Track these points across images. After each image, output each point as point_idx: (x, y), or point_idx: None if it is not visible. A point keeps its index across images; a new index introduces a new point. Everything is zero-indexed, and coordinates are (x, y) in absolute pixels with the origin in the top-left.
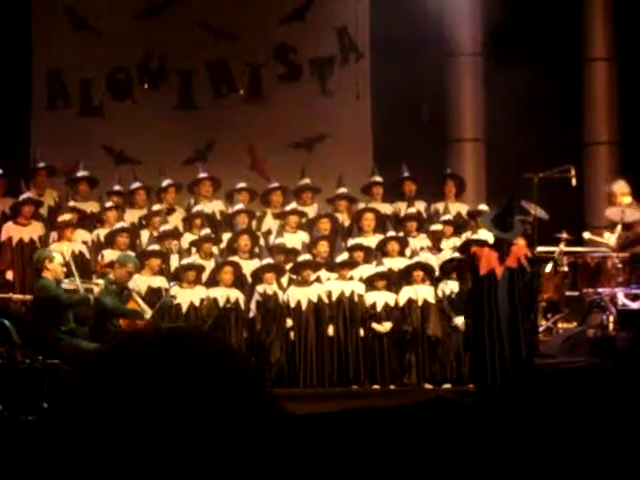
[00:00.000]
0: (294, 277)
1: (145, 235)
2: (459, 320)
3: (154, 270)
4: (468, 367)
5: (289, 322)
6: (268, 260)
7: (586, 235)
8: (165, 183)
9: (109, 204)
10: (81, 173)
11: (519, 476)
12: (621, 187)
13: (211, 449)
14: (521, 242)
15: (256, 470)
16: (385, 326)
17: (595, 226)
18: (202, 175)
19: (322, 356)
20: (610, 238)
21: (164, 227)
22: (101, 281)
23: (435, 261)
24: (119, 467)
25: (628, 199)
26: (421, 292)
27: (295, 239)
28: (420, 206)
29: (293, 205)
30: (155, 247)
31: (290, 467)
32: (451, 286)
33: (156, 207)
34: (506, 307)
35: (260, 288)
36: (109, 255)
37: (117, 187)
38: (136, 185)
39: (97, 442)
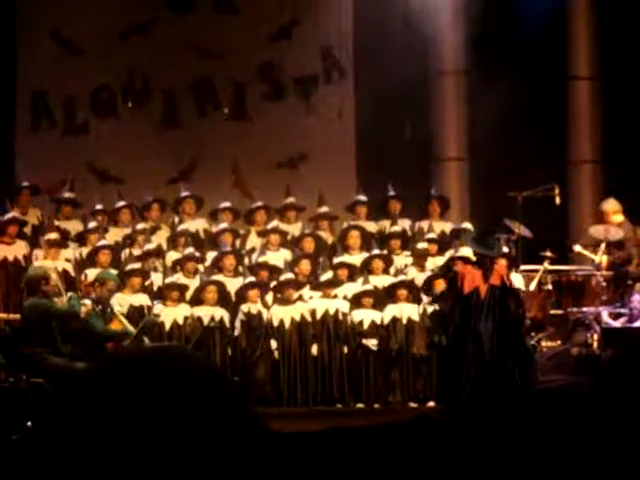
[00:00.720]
0: (277, 296)
1: (127, 254)
2: (443, 338)
3: (135, 288)
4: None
5: (273, 341)
6: (251, 278)
7: (577, 248)
8: (148, 200)
9: (92, 224)
10: (66, 194)
11: None
12: (613, 205)
13: (196, 469)
14: (502, 262)
15: None
16: (373, 343)
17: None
18: (185, 194)
19: (306, 375)
20: (602, 257)
21: (148, 246)
22: (88, 301)
23: (419, 279)
24: None
25: (620, 217)
26: (405, 310)
27: (277, 257)
28: (405, 224)
29: (275, 223)
30: (135, 265)
31: None
32: (434, 304)
33: (140, 226)
34: (489, 325)
35: (244, 307)
36: (92, 273)
37: (99, 206)
38: (121, 204)
39: (81, 461)
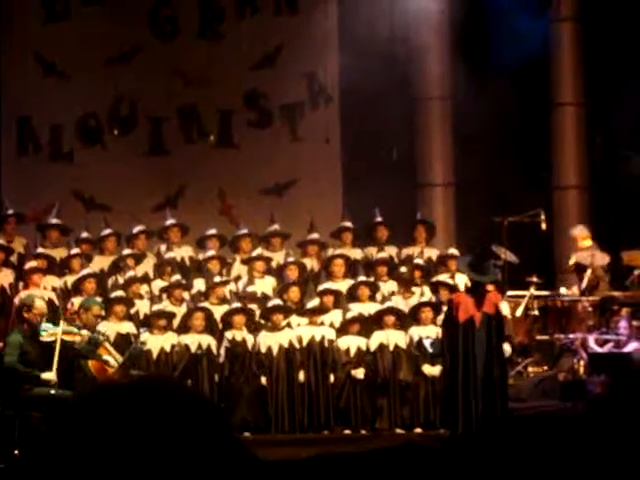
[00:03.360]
0: (263, 322)
1: (113, 281)
2: (431, 368)
3: (119, 316)
4: (439, 412)
5: (259, 368)
6: (237, 304)
7: (562, 291)
8: (135, 230)
9: (75, 250)
10: (54, 220)
11: None
12: (581, 231)
13: None
14: (490, 288)
15: None
16: (359, 372)
17: (565, 270)
18: (170, 222)
19: (293, 401)
20: (573, 288)
21: (130, 273)
22: (85, 332)
23: (405, 306)
24: None
25: (588, 242)
26: (392, 337)
27: (263, 285)
28: (392, 251)
29: (259, 251)
30: (119, 293)
31: None
32: (420, 331)
33: (126, 252)
34: (482, 353)
35: (229, 334)
36: (78, 302)
37: (85, 234)
38: (107, 232)
39: None
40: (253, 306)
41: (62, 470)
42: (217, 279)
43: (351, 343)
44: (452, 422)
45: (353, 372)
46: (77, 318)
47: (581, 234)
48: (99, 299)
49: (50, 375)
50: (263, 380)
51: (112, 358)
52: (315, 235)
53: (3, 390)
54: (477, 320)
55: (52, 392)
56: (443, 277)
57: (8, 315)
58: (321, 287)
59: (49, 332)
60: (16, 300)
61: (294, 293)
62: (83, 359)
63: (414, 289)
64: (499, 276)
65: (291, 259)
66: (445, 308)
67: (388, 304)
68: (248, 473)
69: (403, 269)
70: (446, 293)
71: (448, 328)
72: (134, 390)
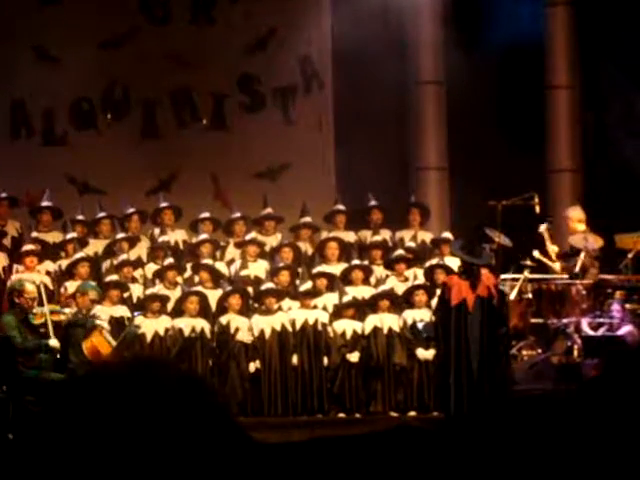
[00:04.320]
0: (256, 305)
1: (108, 265)
2: (425, 352)
3: (114, 300)
4: (433, 395)
5: (251, 352)
6: (229, 288)
7: (535, 254)
8: (129, 211)
9: (71, 235)
10: (45, 203)
11: None
12: (577, 213)
13: (179, 479)
14: (484, 271)
15: None
16: (354, 356)
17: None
18: (163, 204)
19: (287, 385)
20: (555, 264)
21: (123, 256)
22: (68, 310)
23: (399, 289)
24: None
25: (582, 226)
26: (386, 321)
27: (256, 268)
28: (385, 235)
29: (252, 235)
30: (114, 277)
31: None
32: (414, 314)
33: (120, 236)
34: (477, 335)
35: (224, 319)
36: (72, 286)
37: (80, 217)
38: (101, 215)
39: (63, 474)
40: (248, 289)
41: (56, 453)
42: (208, 261)
43: (346, 327)
44: (444, 404)
45: (348, 356)
46: (72, 302)
47: (577, 216)
48: (92, 283)
49: (55, 342)
50: (257, 364)
51: (106, 341)
52: (307, 219)
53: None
54: (470, 303)
55: (49, 375)
56: (434, 261)
57: (1, 298)
58: (315, 270)
59: (38, 314)
60: (9, 284)
61: (284, 276)
62: (76, 334)
63: (407, 273)
64: (492, 259)
65: (286, 241)
66: (438, 291)
67: (382, 288)
68: (245, 456)
69: (397, 253)
70: (443, 275)
71: (441, 311)
72: (128, 371)
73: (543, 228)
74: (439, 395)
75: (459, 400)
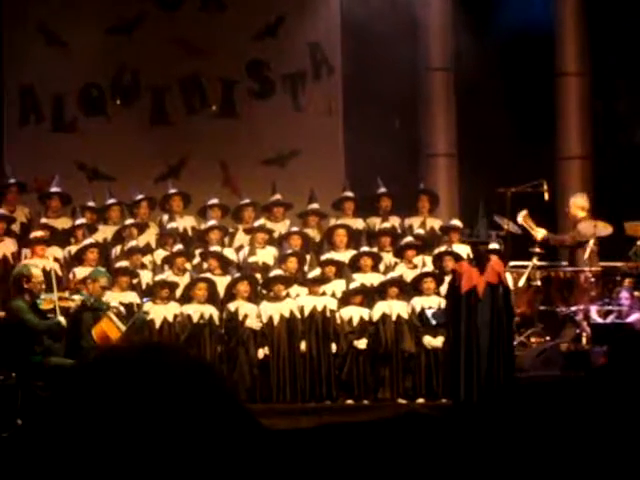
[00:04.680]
0: (265, 292)
1: (117, 251)
2: (433, 339)
3: (123, 286)
4: (441, 382)
5: (259, 339)
6: (238, 274)
7: (522, 213)
8: (138, 197)
9: (80, 221)
10: (54, 189)
11: None
12: (579, 200)
13: (188, 466)
14: (493, 258)
15: None
16: (362, 343)
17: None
18: (172, 190)
19: (295, 371)
20: (539, 231)
21: (132, 243)
22: (77, 297)
23: (408, 276)
24: None
25: (582, 214)
26: (395, 307)
27: (264, 255)
28: (394, 222)
29: (261, 221)
30: (123, 264)
31: None
32: (423, 302)
33: (129, 221)
34: (487, 321)
35: (232, 305)
36: (80, 272)
37: (91, 203)
38: (111, 201)
39: (72, 459)
40: (257, 276)
41: (65, 439)
42: (216, 248)
43: (354, 313)
44: (454, 391)
45: (355, 342)
46: (81, 287)
47: (578, 203)
48: (103, 269)
49: (64, 321)
50: (266, 350)
51: (116, 327)
52: (315, 205)
53: (6, 359)
54: (480, 290)
55: (58, 361)
56: (444, 248)
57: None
58: (323, 257)
59: (46, 300)
60: (15, 270)
61: (292, 263)
62: (86, 319)
63: (415, 260)
64: (490, 233)
65: (295, 229)
66: (447, 278)
67: (391, 275)
68: (254, 442)
69: (407, 240)
70: (451, 263)
71: (451, 298)
72: (138, 357)
73: (521, 218)
74: (449, 382)
75: (469, 387)
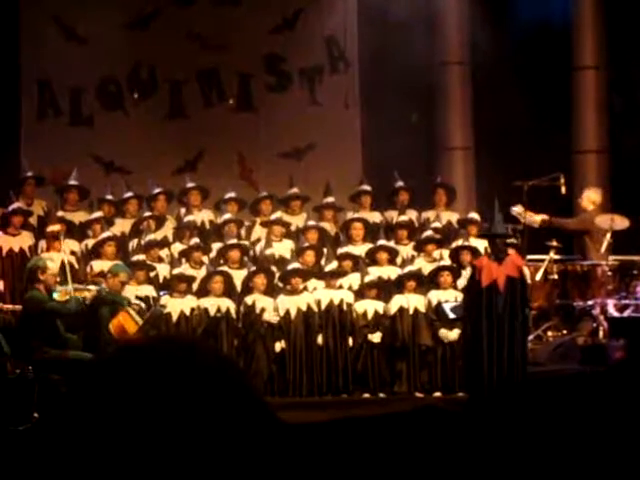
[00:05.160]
0: (281, 285)
1: (135, 244)
2: (449, 333)
3: (140, 280)
4: (458, 376)
5: (276, 332)
6: (254, 268)
7: (517, 209)
8: (155, 191)
9: (97, 214)
10: (72, 182)
11: None
12: (591, 194)
13: (206, 460)
14: (511, 252)
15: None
16: (376, 336)
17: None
18: (190, 185)
19: (312, 365)
20: (534, 217)
21: (150, 236)
22: (93, 287)
23: (426, 269)
24: (111, 478)
25: (591, 207)
26: (412, 301)
27: (281, 248)
28: (412, 215)
29: (278, 214)
30: (141, 257)
31: (282, 477)
32: (440, 295)
33: (147, 215)
34: (506, 316)
35: (249, 299)
36: (98, 265)
37: (109, 196)
38: (128, 195)
39: (89, 452)
40: (272, 269)
41: (83, 432)
42: (233, 242)
43: (368, 307)
44: (477, 386)
45: (370, 336)
46: (99, 281)
47: (591, 197)
48: (123, 264)
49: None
50: (282, 344)
51: (133, 320)
52: (331, 199)
53: (23, 353)
54: (500, 284)
55: (76, 354)
56: (462, 242)
57: None
58: (340, 251)
59: (61, 292)
60: (30, 262)
61: (310, 256)
62: (103, 312)
63: (434, 254)
64: (506, 228)
65: (312, 223)
66: (464, 272)
67: (409, 268)
68: (271, 435)
69: (426, 234)
70: (468, 257)
71: (471, 292)
72: (155, 350)
73: (516, 211)
74: (468, 376)
75: (491, 382)
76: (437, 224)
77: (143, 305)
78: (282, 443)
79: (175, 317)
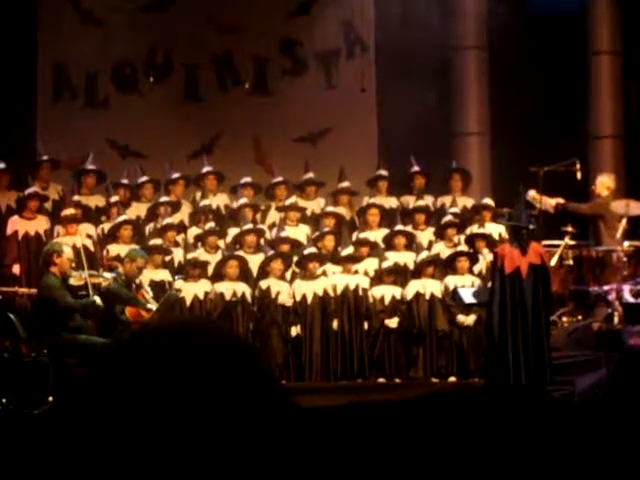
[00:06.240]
0: (298, 270)
1: (151, 228)
2: (466, 318)
3: (157, 264)
4: (473, 361)
5: (292, 317)
6: (272, 252)
7: (531, 193)
8: (174, 176)
9: (114, 198)
10: (90, 166)
11: (525, 470)
12: (605, 180)
13: (223, 442)
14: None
15: (268, 462)
16: (393, 322)
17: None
18: (207, 169)
19: (328, 349)
20: (548, 201)
21: (167, 220)
22: (109, 275)
23: (445, 254)
24: (126, 462)
25: (606, 193)
26: (429, 286)
27: (297, 233)
28: (428, 200)
29: (293, 199)
30: (157, 241)
31: (298, 461)
32: (456, 281)
33: (163, 199)
34: (530, 303)
35: (263, 283)
36: (114, 249)
37: (124, 180)
38: (143, 179)
39: (105, 436)
40: (286, 249)
41: (99, 416)
42: (249, 226)
43: (385, 292)
44: (502, 374)
45: (387, 321)
46: (115, 265)
47: (605, 182)
48: (140, 248)
49: (99, 300)
50: (298, 329)
51: (147, 303)
52: (346, 183)
53: (38, 335)
54: (523, 270)
55: (90, 338)
56: (475, 227)
57: None
58: (356, 237)
59: (76, 277)
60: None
61: (330, 241)
62: (119, 303)
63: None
64: (530, 222)
65: (330, 208)
66: (481, 259)
67: (425, 253)
68: (288, 418)
69: (446, 218)
70: (482, 244)
71: (494, 279)
72: (172, 333)
73: (531, 196)
74: (492, 364)
75: (516, 369)
76: (455, 209)
77: (151, 294)
78: (297, 425)
79: (189, 301)
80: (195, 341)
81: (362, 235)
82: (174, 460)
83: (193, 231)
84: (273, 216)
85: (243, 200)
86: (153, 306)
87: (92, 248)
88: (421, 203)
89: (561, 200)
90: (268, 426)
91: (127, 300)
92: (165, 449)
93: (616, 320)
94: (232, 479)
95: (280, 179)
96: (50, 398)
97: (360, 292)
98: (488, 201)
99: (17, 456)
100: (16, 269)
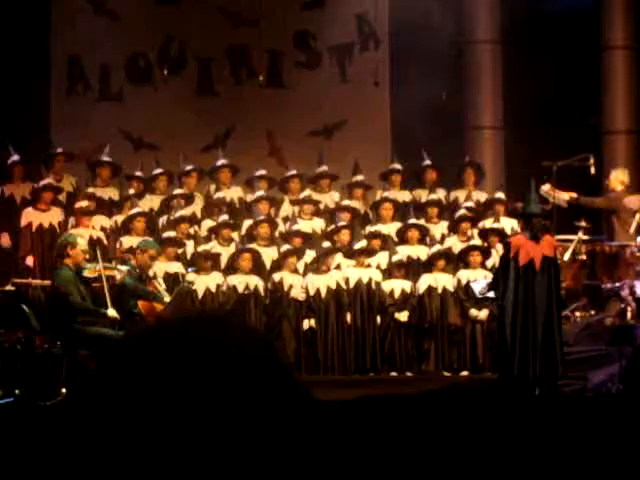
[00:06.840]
0: (318, 265)
1: (164, 221)
2: (479, 312)
3: (170, 257)
4: (485, 355)
5: (305, 310)
6: (287, 246)
7: (545, 187)
8: (188, 168)
9: (131, 191)
10: (105, 158)
11: (537, 467)
12: (619, 174)
13: (241, 434)
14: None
15: (286, 455)
16: (403, 315)
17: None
18: (221, 162)
19: (343, 343)
20: (562, 195)
21: (180, 212)
22: (123, 267)
23: (458, 248)
24: (140, 455)
25: (620, 187)
26: (441, 280)
27: (311, 226)
28: (440, 194)
29: (307, 193)
30: (171, 234)
31: (313, 454)
32: (469, 274)
33: (177, 191)
34: (543, 296)
35: (276, 276)
36: (127, 241)
37: (138, 172)
38: (158, 171)
39: (119, 429)
40: (299, 243)
41: (113, 410)
42: (262, 218)
43: (395, 286)
44: (508, 366)
45: (397, 315)
46: (131, 258)
47: (618, 177)
48: (152, 240)
49: (113, 312)
50: (312, 322)
51: (160, 295)
52: (360, 177)
53: (52, 327)
54: (537, 263)
55: (103, 331)
56: (489, 221)
57: None
58: (369, 230)
59: (90, 269)
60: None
61: (345, 235)
62: (133, 297)
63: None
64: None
65: (346, 202)
66: (494, 253)
67: (437, 247)
68: (307, 413)
69: (460, 212)
70: (496, 239)
71: (506, 271)
72: (188, 326)
73: (545, 190)
74: (500, 356)
75: (524, 362)
76: (470, 203)
77: (163, 286)
78: (313, 418)
79: (200, 294)
80: (211, 334)
81: (375, 228)
82: (190, 453)
83: (207, 223)
84: (287, 209)
85: (260, 193)
86: (166, 298)
87: (105, 240)
88: (433, 197)
89: (574, 195)
90: (287, 419)
91: (142, 295)
92: (180, 442)
93: (629, 315)
94: (250, 472)
95: (294, 172)
96: (63, 390)
97: (373, 286)
98: (500, 195)
99: (31, 447)
100: (30, 261)
